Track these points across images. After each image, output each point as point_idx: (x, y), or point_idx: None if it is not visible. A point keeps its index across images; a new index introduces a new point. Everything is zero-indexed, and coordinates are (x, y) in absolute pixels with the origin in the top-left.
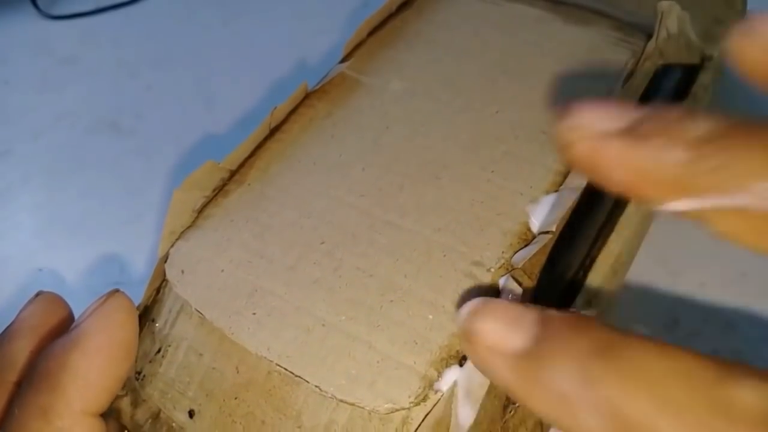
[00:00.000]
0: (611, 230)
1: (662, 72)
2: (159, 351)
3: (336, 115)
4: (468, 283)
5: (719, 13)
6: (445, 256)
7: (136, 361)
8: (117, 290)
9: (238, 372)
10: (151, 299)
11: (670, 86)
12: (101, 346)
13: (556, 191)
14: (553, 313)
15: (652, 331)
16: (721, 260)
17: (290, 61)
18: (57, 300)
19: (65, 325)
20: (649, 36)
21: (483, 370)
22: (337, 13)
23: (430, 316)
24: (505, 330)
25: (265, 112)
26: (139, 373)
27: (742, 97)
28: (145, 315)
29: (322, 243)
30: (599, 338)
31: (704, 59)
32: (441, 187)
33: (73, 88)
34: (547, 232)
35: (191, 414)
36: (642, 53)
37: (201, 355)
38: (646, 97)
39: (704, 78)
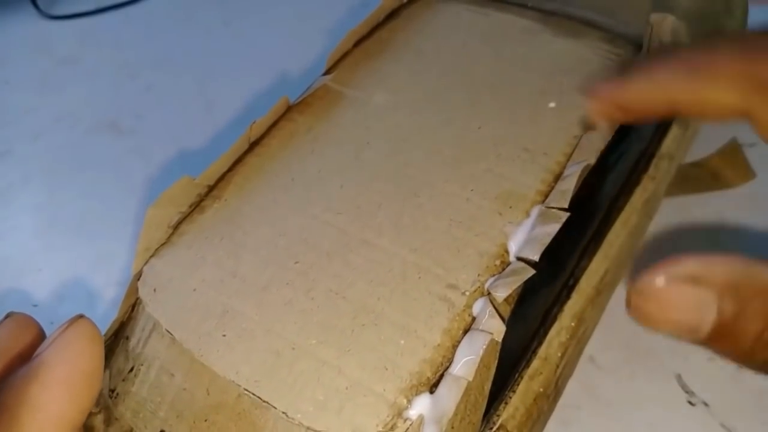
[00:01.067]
0: (595, 251)
1: None
2: (132, 369)
3: (317, 130)
4: (441, 307)
5: (719, 22)
6: (420, 278)
7: (110, 378)
8: (81, 316)
9: (208, 394)
10: (126, 315)
11: None
12: (62, 377)
13: (539, 209)
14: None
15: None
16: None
17: (290, 61)
18: (28, 321)
19: (36, 347)
20: (640, 48)
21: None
22: (337, 13)
23: (402, 341)
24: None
25: (264, 110)
26: (112, 390)
27: None
28: (120, 331)
29: (296, 262)
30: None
31: None
32: (420, 206)
33: (73, 89)
34: (526, 260)
35: None
36: None
37: (172, 375)
38: None
39: None
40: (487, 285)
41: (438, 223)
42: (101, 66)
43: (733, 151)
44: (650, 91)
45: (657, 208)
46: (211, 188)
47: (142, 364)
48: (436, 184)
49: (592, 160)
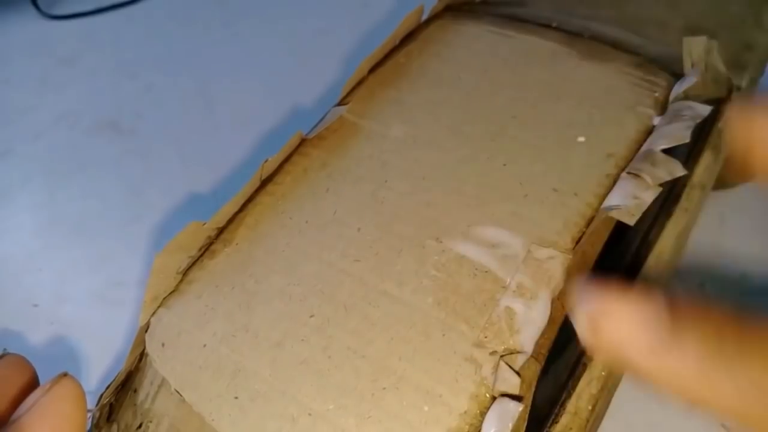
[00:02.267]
0: None
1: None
2: (140, 426)
3: (332, 166)
4: (468, 369)
5: (749, 37)
6: (444, 335)
7: None
8: (65, 374)
9: None
10: (134, 366)
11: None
12: None
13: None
14: (679, 301)
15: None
16: (721, 260)
17: (290, 60)
18: (21, 363)
19: (28, 392)
20: (673, 73)
21: (608, 360)
22: (337, 13)
23: (426, 408)
24: (636, 330)
25: (265, 111)
26: None
27: None
28: (128, 383)
29: (312, 316)
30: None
31: (731, 90)
32: (442, 252)
33: (73, 88)
34: None
35: None
36: (665, 99)
37: None
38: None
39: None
40: (516, 343)
41: (461, 272)
42: (101, 66)
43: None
44: None
45: (687, 239)
46: (221, 230)
47: (150, 421)
48: (458, 228)
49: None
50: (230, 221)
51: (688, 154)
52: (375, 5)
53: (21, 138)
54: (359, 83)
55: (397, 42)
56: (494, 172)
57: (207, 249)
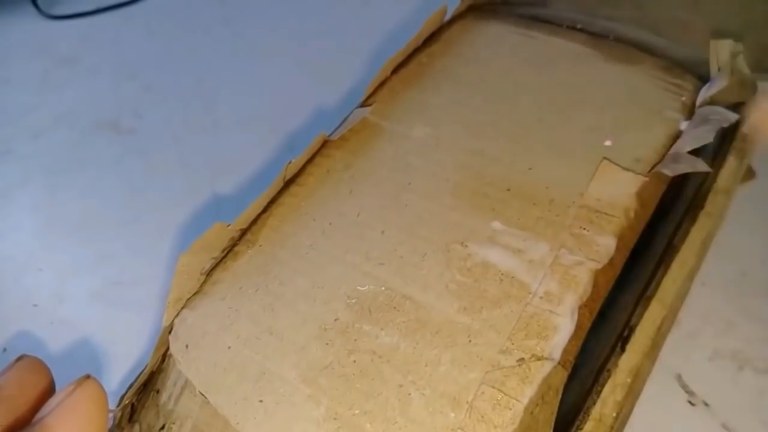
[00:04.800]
0: (651, 298)
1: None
2: (163, 427)
3: (355, 167)
4: (495, 377)
5: (763, 34)
6: (470, 341)
7: None
8: (88, 376)
9: None
10: (157, 366)
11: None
12: None
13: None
14: None
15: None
16: (721, 260)
17: (291, 60)
18: (38, 366)
19: (46, 396)
20: (699, 77)
21: None
22: (337, 12)
23: (452, 414)
24: None
25: (265, 110)
26: None
27: None
28: (150, 383)
29: (336, 319)
30: None
31: (755, 94)
32: (467, 257)
33: (73, 89)
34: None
35: None
36: (692, 104)
37: None
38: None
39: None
40: (544, 350)
41: (487, 278)
42: (101, 66)
43: None
44: None
45: (710, 245)
46: (245, 231)
47: (174, 423)
48: (484, 232)
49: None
50: (253, 222)
51: (713, 158)
52: (376, 5)
53: (21, 138)
54: (382, 84)
55: (420, 42)
56: (519, 175)
57: (230, 250)
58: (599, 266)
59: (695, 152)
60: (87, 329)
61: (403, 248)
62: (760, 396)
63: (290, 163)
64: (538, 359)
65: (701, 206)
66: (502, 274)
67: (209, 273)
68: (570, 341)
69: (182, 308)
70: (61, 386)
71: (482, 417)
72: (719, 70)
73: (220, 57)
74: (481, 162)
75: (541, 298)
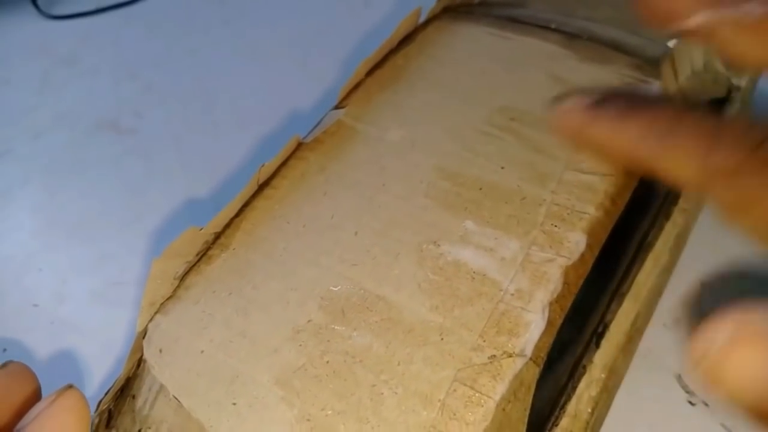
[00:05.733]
0: (626, 293)
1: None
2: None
3: (329, 170)
4: (466, 375)
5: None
6: (442, 339)
7: None
8: (70, 386)
9: None
10: (132, 372)
11: None
12: None
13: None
14: None
15: (653, 331)
16: (721, 260)
17: (291, 60)
18: (25, 373)
19: (31, 403)
20: (675, 74)
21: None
22: (337, 12)
23: (425, 413)
24: None
25: (265, 111)
26: None
27: None
28: (126, 389)
29: (309, 321)
30: None
31: (731, 90)
32: (439, 256)
33: (73, 89)
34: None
35: None
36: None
37: None
38: None
39: (731, 110)
40: (515, 346)
41: (459, 276)
42: (101, 66)
43: None
44: (611, 139)
45: (686, 240)
46: (218, 235)
47: (149, 428)
48: (456, 231)
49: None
50: (227, 226)
51: None
52: (376, 5)
53: (21, 138)
54: (357, 86)
55: (395, 44)
56: (491, 174)
57: (204, 254)
58: (570, 262)
59: None
60: (87, 329)
61: (377, 249)
62: None
63: (263, 166)
64: (510, 356)
65: (675, 202)
66: (473, 272)
67: (183, 277)
68: (541, 337)
69: (156, 313)
70: (54, 389)
71: (454, 414)
72: (692, 67)
73: (220, 57)
74: (454, 163)
75: (512, 295)
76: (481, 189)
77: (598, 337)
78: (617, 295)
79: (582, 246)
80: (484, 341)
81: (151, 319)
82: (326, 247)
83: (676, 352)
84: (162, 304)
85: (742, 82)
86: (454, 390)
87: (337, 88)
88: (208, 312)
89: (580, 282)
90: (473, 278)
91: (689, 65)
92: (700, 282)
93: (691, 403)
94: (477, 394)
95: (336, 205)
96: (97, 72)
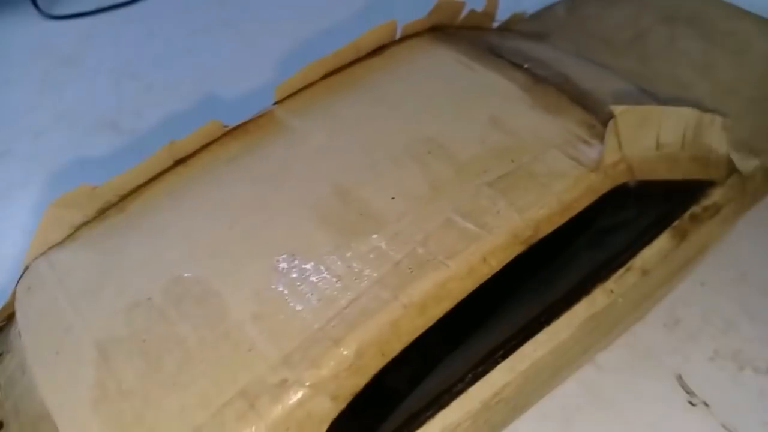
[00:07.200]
0: (501, 358)
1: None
2: (2, 354)
3: (239, 161)
4: (252, 391)
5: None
6: (250, 350)
7: None
8: None
9: (41, 404)
10: (11, 302)
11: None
12: None
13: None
14: None
15: (653, 331)
16: (721, 260)
17: (291, 60)
18: None
19: None
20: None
21: None
22: (338, 12)
23: (199, 415)
24: None
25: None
26: None
27: None
28: (11, 315)
29: (149, 299)
30: None
31: (730, 174)
32: (289, 270)
33: (73, 89)
34: None
35: (1, 424)
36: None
37: (23, 373)
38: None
39: (718, 192)
40: (311, 378)
41: (298, 294)
42: (101, 66)
43: None
44: None
45: (617, 328)
46: (124, 197)
47: (9, 353)
48: (317, 251)
49: None
50: (134, 191)
51: (641, 231)
52: (377, 6)
53: (21, 138)
54: (311, 84)
55: (362, 54)
56: (380, 202)
57: (104, 212)
58: (406, 312)
59: (617, 225)
60: None
61: (240, 247)
62: (760, 396)
63: (173, 142)
64: (302, 386)
65: (601, 279)
66: (311, 293)
67: (78, 228)
68: (348, 377)
69: (41, 254)
70: None
71: (223, 425)
72: (657, 141)
73: (220, 57)
74: (352, 180)
75: (333, 326)
76: (362, 214)
77: (451, 395)
78: (493, 358)
79: (426, 298)
80: (286, 364)
81: (35, 259)
82: (197, 235)
83: (677, 352)
84: (51, 248)
85: (749, 167)
86: (233, 402)
87: None
88: (78, 266)
89: (416, 333)
90: (308, 299)
91: (652, 136)
92: (700, 282)
93: (691, 403)
94: (252, 412)
95: (228, 196)
96: (97, 72)
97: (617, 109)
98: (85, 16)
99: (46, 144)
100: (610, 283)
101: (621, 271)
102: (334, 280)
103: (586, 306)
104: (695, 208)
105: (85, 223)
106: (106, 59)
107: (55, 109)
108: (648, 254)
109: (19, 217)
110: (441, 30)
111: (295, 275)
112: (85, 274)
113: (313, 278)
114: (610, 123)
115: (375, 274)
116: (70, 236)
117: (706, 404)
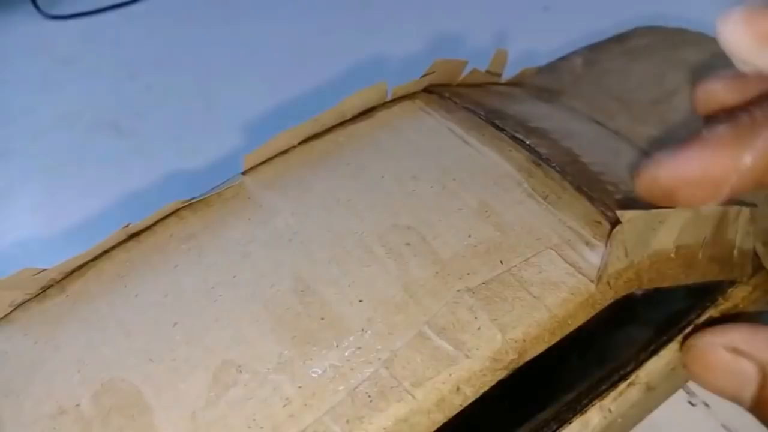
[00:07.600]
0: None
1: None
2: None
3: (195, 240)
4: None
5: None
6: None
7: None
8: None
9: None
10: None
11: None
12: None
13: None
14: None
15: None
16: None
17: (291, 60)
18: None
19: None
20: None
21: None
22: (338, 12)
23: None
24: None
25: (265, 111)
26: None
27: None
28: None
29: (77, 405)
30: None
31: (755, 272)
32: (233, 384)
33: (73, 88)
34: None
35: None
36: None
37: None
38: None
39: (740, 293)
40: None
41: (237, 417)
42: (101, 66)
43: None
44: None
45: None
46: (68, 275)
47: None
48: (267, 362)
49: None
50: (80, 266)
51: (646, 339)
52: (377, 6)
53: (21, 138)
54: (285, 151)
55: (348, 116)
56: (344, 306)
57: (43, 291)
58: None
59: (618, 332)
60: None
61: (179, 352)
62: None
63: (127, 225)
64: None
65: (600, 395)
66: (254, 417)
67: (17, 307)
68: None
69: None
70: None
71: None
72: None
73: (220, 57)
74: (316, 276)
75: None
76: (323, 319)
77: None
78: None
79: None
80: None
81: None
82: (137, 330)
83: None
84: None
85: None
86: None
87: (337, 86)
88: (8, 354)
89: None
90: (249, 428)
91: (667, 241)
92: None
93: (691, 403)
94: None
95: (176, 283)
96: (97, 72)
97: (624, 216)
98: (85, 16)
99: (45, 144)
100: (608, 401)
101: (622, 386)
102: (282, 404)
103: (578, 428)
104: (712, 312)
105: (25, 302)
106: (106, 59)
107: (55, 109)
108: (654, 367)
109: (19, 217)
110: (437, 92)
111: (238, 394)
112: (14, 365)
113: (258, 400)
114: (616, 229)
115: (327, 402)
116: (6, 317)
117: (706, 404)
